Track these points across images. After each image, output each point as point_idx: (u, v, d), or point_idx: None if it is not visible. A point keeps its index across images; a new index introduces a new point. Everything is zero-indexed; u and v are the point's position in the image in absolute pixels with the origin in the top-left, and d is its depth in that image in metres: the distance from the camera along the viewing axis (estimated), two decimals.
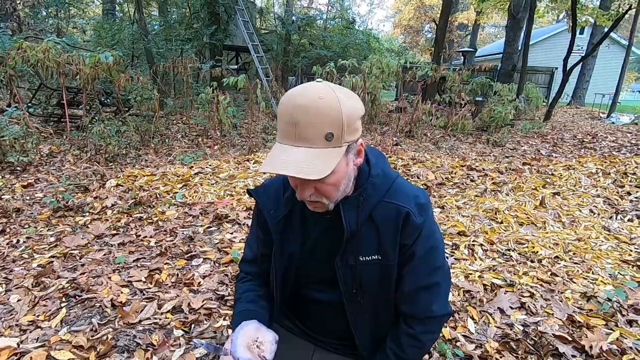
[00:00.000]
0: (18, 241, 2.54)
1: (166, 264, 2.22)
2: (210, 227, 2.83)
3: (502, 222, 2.93)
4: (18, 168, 4.19)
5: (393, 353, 0.96)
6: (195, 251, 2.40)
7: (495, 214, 3.06)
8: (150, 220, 2.91)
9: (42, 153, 4.73)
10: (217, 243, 2.53)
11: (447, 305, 0.93)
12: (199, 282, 2.03)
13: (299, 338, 1.09)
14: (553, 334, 1.65)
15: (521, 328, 1.72)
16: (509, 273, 2.21)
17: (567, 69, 9.22)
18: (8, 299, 1.82)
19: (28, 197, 3.40)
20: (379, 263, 0.90)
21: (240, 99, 9.30)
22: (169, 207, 3.16)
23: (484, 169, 4.17)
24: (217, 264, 2.27)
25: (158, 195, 3.39)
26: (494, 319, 1.79)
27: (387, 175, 0.91)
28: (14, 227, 2.76)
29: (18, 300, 1.80)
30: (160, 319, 1.67)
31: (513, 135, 7.27)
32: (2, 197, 3.37)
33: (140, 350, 1.44)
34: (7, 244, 2.49)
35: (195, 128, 7.00)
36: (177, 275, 2.10)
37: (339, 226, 0.88)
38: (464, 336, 1.65)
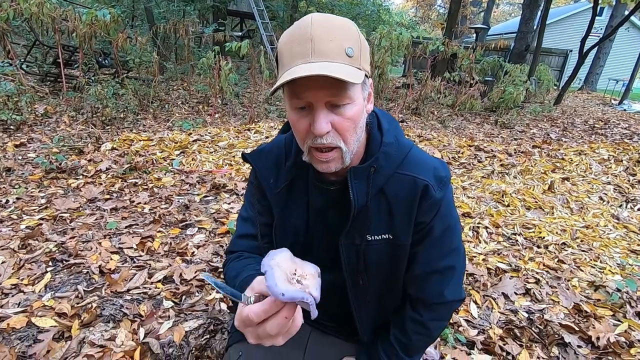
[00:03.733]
0: (7, 201, 2.44)
1: (159, 231, 2.14)
2: (207, 196, 2.74)
3: (508, 205, 2.83)
4: (11, 127, 4.05)
5: (396, 340, 0.87)
6: (190, 220, 2.31)
7: (502, 196, 2.95)
8: (146, 187, 2.81)
9: (37, 113, 4.57)
10: (214, 213, 2.44)
11: (460, 290, 0.84)
12: (193, 252, 1.95)
13: None
14: (559, 323, 1.59)
15: (526, 315, 1.66)
16: (514, 258, 2.13)
17: (584, 51, 8.86)
18: None
19: (20, 157, 3.29)
20: (389, 243, 0.80)
21: (243, 67, 9.00)
22: (165, 174, 3.05)
23: (492, 150, 4.04)
24: (212, 235, 2.18)
25: (154, 161, 3.27)
26: (497, 304, 1.72)
27: (402, 144, 0.79)
28: (4, 187, 2.66)
29: (2, 262, 1.72)
30: (149, 289, 1.59)
31: (522, 117, 7.07)
32: None
33: (127, 320, 1.37)
34: None
35: (196, 95, 6.80)
36: (170, 244, 2.01)
37: (345, 200, 0.77)
38: (467, 321, 1.59)
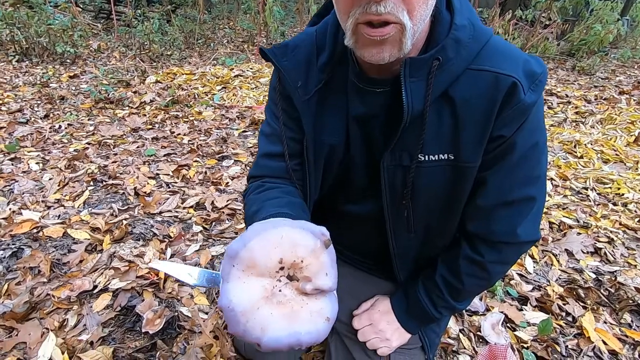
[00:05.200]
0: (60, 126, 2.54)
1: (195, 161, 2.11)
2: (245, 131, 2.65)
3: (581, 157, 2.45)
4: (67, 60, 4.20)
5: (444, 280, 0.71)
6: (227, 152, 2.26)
7: (575, 147, 2.56)
8: (186, 119, 2.79)
9: (91, 48, 4.71)
10: (251, 147, 2.36)
11: (537, 230, 0.64)
12: (227, 183, 1.90)
13: None
14: (635, 287, 1.35)
15: (593, 275, 1.43)
16: (583, 213, 1.85)
17: None
18: (41, 177, 1.81)
19: (73, 87, 3.40)
20: (449, 165, 0.60)
21: (290, 5, 8.53)
22: (205, 108, 3.00)
23: (567, 96, 3.50)
24: (247, 168, 2.12)
25: (196, 96, 3.23)
26: (558, 261, 1.50)
27: (479, 30, 0.56)
28: (57, 113, 2.77)
29: (50, 179, 1.78)
30: (181, 213, 1.57)
31: (606, 63, 6.07)
32: (50, 84, 3.40)
33: (156, 240, 1.36)
34: (50, 128, 2.51)
35: (242, 34, 6.58)
36: (206, 173, 1.98)
37: (395, 107, 0.57)
38: (520, 275, 1.40)
